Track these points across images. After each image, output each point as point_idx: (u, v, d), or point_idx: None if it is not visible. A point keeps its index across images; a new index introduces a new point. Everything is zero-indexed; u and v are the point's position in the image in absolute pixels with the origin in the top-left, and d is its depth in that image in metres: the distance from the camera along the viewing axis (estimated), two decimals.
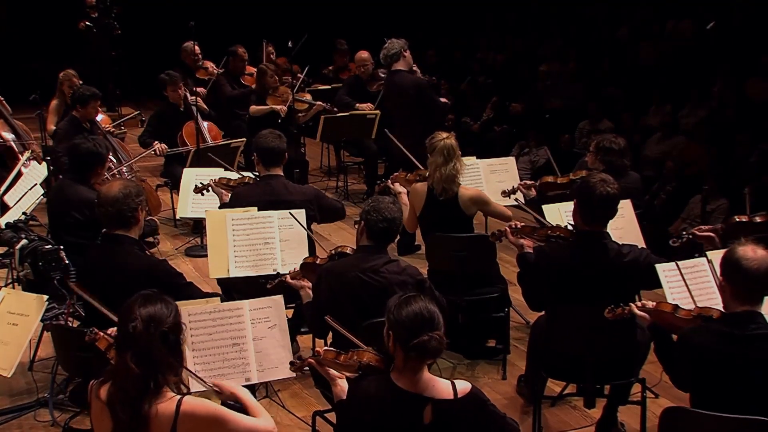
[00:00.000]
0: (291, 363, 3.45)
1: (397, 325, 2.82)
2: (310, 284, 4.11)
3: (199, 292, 4.08)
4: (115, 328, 3.18)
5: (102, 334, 3.43)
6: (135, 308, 2.63)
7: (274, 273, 4.58)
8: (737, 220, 4.80)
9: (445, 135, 5.17)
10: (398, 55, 6.94)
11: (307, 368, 3.40)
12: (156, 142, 7.50)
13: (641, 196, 5.75)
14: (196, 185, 5.55)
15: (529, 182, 5.56)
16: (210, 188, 5.46)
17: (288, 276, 4.26)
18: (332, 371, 3.19)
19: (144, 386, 2.58)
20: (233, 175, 5.64)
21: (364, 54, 8.72)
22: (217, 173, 5.95)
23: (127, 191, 3.89)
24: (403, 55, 6.97)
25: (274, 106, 8.16)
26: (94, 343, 3.42)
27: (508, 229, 4.46)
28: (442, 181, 5.05)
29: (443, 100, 7.32)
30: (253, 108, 8.26)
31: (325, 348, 3.28)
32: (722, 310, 3.33)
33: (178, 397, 2.65)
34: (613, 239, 4.04)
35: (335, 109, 8.40)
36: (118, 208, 3.85)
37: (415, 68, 7.24)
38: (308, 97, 8.65)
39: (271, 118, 8.03)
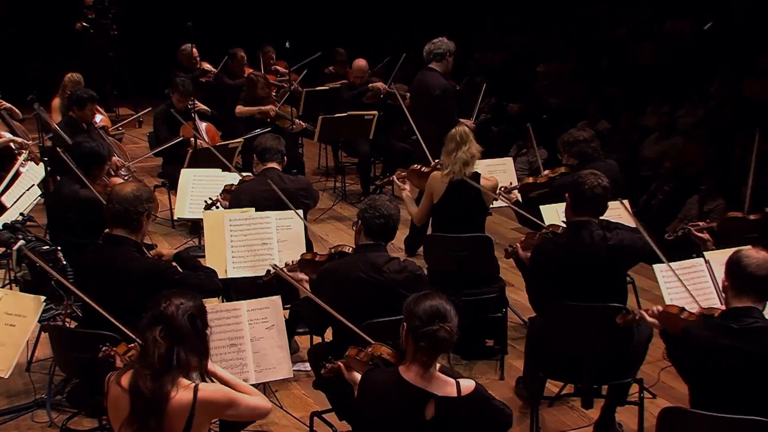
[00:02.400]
0: (322, 365, 3.43)
1: (411, 316, 2.91)
2: (307, 278, 4.09)
3: (195, 277, 4.01)
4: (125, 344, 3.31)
5: (115, 350, 3.36)
6: (167, 295, 2.84)
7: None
8: (731, 215, 4.84)
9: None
10: (441, 56, 6.88)
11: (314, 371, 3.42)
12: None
13: (621, 183, 5.73)
14: (206, 202, 5.42)
15: (509, 186, 5.52)
16: (219, 203, 5.37)
17: (285, 268, 4.21)
18: (356, 375, 3.25)
19: (169, 361, 2.72)
20: (234, 180, 5.60)
21: (362, 63, 8.72)
22: (214, 174, 5.94)
23: (139, 194, 3.91)
24: (446, 59, 6.91)
25: (262, 108, 8.08)
26: (108, 359, 3.32)
27: (518, 245, 4.65)
28: (457, 164, 5.14)
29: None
30: (240, 108, 8.19)
31: (350, 347, 3.32)
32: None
33: (194, 384, 2.76)
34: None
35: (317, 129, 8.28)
36: (125, 207, 3.85)
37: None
38: (292, 111, 8.58)
39: (264, 119, 8.03)
